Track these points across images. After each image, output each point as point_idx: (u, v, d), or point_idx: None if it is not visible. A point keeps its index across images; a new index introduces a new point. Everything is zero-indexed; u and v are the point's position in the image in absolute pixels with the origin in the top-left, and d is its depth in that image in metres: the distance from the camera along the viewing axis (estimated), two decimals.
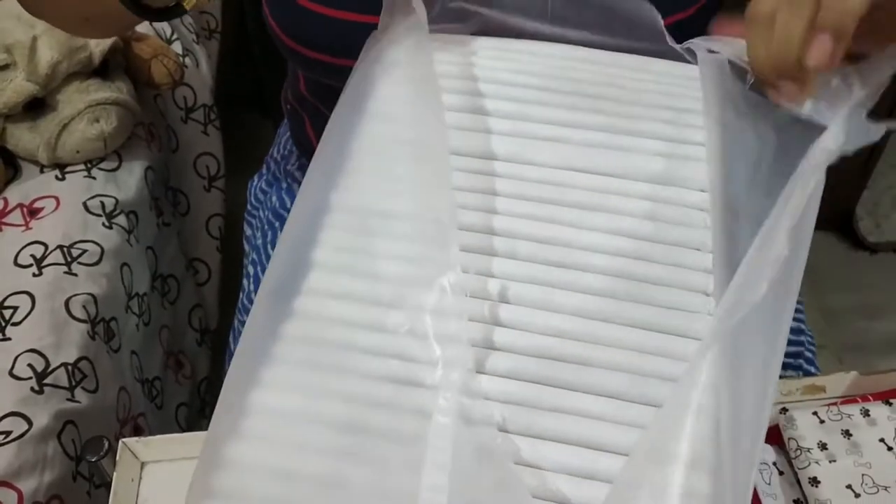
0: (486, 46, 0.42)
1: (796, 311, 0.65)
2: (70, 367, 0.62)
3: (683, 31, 0.56)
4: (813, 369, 0.63)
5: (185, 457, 0.41)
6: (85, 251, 0.70)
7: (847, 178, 1.25)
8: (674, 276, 0.34)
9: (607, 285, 0.34)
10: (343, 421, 0.30)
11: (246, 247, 0.76)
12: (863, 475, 0.41)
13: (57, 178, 0.75)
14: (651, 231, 0.35)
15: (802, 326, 0.65)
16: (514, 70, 0.40)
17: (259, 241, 0.72)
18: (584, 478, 0.30)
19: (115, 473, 0.40)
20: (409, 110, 0.37)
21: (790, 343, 0.64)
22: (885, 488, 0.41)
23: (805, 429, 0.43)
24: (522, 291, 0.34)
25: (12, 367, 0.60)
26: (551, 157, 0.37)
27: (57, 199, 0.73)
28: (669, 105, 0.40)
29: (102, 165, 0.77)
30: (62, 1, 0.53)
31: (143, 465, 0.42)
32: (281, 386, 0.32)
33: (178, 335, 0.87)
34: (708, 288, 0.34)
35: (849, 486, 0.41)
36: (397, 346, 0.32)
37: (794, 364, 0.63)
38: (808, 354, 0.64)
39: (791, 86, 0.32)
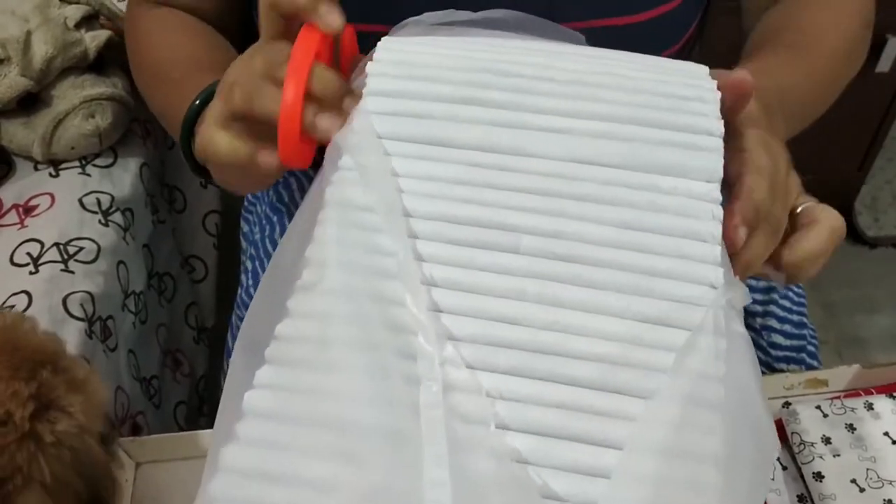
0: (477, 40, 0.41)
1: (799, 304, 0.64)
2: None
3: None
4: (816, 363, 0.63)
5: (180, 457, 0.41)
6: (81, 248, 0.69)
7: (845, 174, 1.25)
8: (680, 268, 0.34)
9: (612, 279, 0.33)
10: (335, 418, 0.30)
11: (243, 242, 0.76)
12: (867, 469, 0.41)
13: (51, 175, 0.75)
14: (657, 223, 0.35)
15: (805, 320, 0.65)
16: (509, 61, 0.39)
17: (257, 236, 0.72)
18: (584, 475, 0.29)
19: None
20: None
21: (793, 337, 0.64)
22: (891, 482, 0.41)
23: (808, 423, 0.42)
24: (524, 286, 0.33)
25: None
26: (551, 148, 0.36)
27: (52, 196, 0.72)
28: (674, 93, 0.38)
29: (97, 162, 0.76)
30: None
31: (137, 465, 0.41)
32: (272, 387, 0.31)
33: (175, 333, 0.86)
34: (716, 280, 0.34)
35: (853, 481, 0.41)
36: (388, 341, 0.31)
37: (797, 358, 0.63)
38: (811, 348, 0.64)
39: None
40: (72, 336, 0.64)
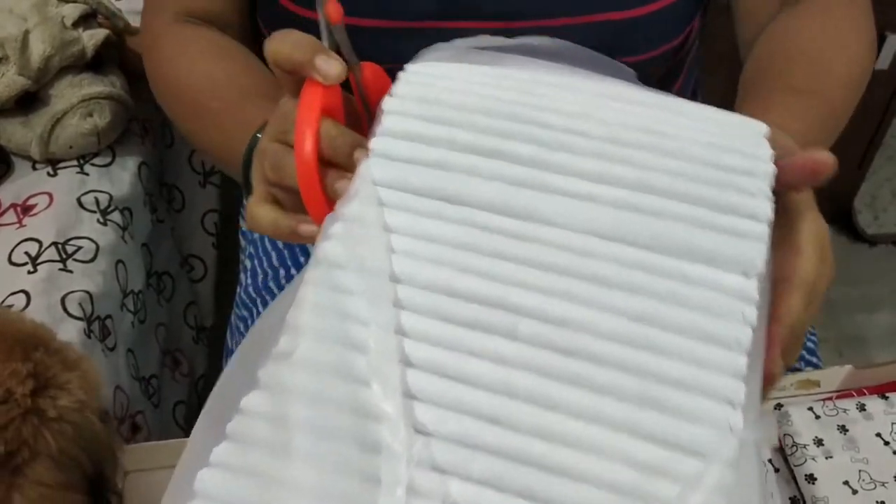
0: (512, 78, 0.36)
1: None
2: None
3: (669, 61, 0.57)
4: (815, 359, 0.63)
5: (170, 465, 0.40)
6: (80, 248, 0.69)
7: (845, 172, 1.25)
8: (696, 377, 0.29)
9: (616, 382, 0.29)
10: None
11: (242, 241, 0.76)
12: (860, 471, 0.41)
13: (49, 174, 0.75)
14: (676, 319, 0.30)
15: None
16: (541, 106, 0.34)
17: (256, 235, 0.72)
18: None
19: None
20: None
21: None
22: (883, 484, 0.41)
23: (800, 425, 0.43)
24: (515, 380, 0.29)
25: None
26: (570, 217, 0.32)
27: (50, 195, 0.73)
28: (719, 162, 0.33)
29: (95, 161, 0.76)
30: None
31: (125, 473, 0.41)
32: (227, 468, 0.29)
33: (174, 333, 0.86)
34: (735, 397, 0.28)
35: (846, 483, 0.41)
36: (352, 429, 0.28)
37: None
38: (810, 345, 0.64)
39: None
40: (70, 335, 0.64)
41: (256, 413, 0.29)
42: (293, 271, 0.66)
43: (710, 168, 0.33)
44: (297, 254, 0.67)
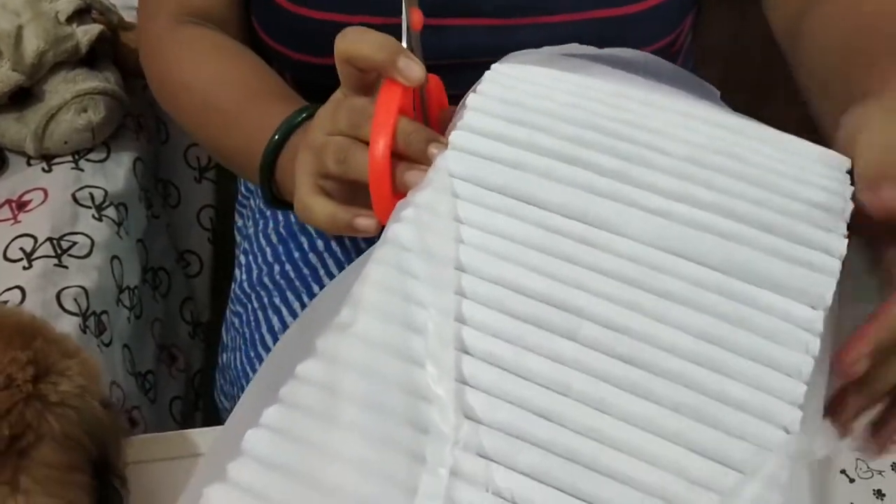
0: (597, 89, 0.36)
1: None
2: None
3: (668, 54, 0.57)
4: None
5: (168, 457, 0.41)
6: (75, 243, 0.69)
7: None
8: (754, 399, 0.29)
9: (672, 394, 0.29)
10: (329, 483, 0.28)
11: (237, 237, 0.76)
12: (857, 460, 0.41)
13: (44, 170, 0.75)
14: (740, 342, 0.30)
15: None
16: (626, 121, 0.35)
17: (251, 231, 0.72)
18: None
19: None
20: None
21: None
22: (880, 472, 0.41)
23: None
24: (570, 380, 0.29)
25: None
26: (644, 230, 0.32)
27: (45, 191, 0.72)
28: (798, 195, 0.33)
29: (90, 156, 0.76)
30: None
31: (124, 465, 0.41)
32: (275, 431, 0.29)
33: (170, 328, 0.86)
34: (791, 424, 0.29)
35: (843, 472, 0.41)
36: (403, 407, 0.28)
37: None
38: None
39: None
40: (66, 331, 0.64)
41: (310, 380, 0.30)
42: (287, 267, 0.66)
43: (787, 199, 0.33)
44: (291, 249, 0.66)
